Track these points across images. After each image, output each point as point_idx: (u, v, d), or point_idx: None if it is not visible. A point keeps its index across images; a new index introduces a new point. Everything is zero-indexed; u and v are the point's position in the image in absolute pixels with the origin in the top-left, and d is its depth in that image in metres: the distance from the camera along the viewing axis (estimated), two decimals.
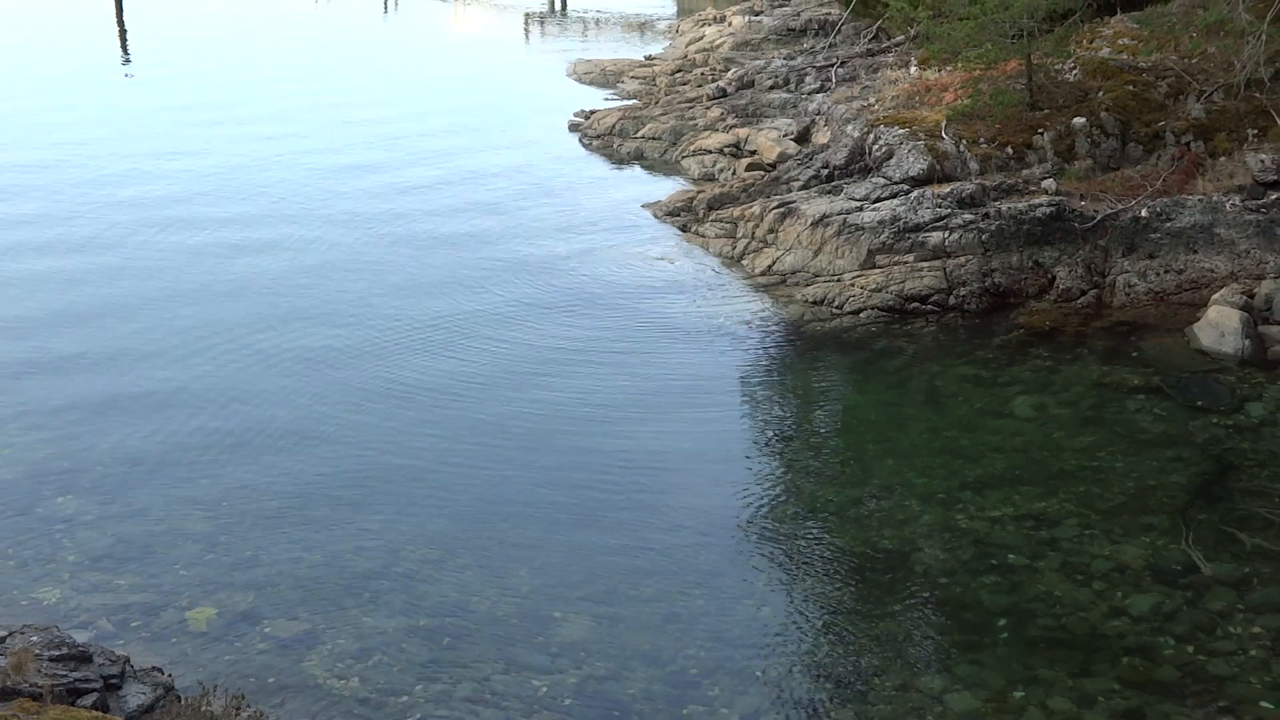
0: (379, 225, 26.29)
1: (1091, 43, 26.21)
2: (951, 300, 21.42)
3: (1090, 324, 20.77)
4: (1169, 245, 21.52)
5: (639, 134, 32.75)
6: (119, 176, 29.92)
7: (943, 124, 23.94)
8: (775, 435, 18.02)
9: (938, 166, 23.13)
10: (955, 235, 21.87)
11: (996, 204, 22.25)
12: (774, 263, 23.00)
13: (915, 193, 22.70)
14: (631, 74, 40.96)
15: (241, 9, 60.83)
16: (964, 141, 23.47)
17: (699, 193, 26.75)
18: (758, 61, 37.15)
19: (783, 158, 28.16)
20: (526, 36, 53.57)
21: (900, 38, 34.02)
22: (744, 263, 23.53)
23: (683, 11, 55.35)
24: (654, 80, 39.32)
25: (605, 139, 33.10)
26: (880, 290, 21.54)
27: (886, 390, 19.21)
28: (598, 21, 56.34)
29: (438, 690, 12.33)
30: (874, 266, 22.02)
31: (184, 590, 13.81)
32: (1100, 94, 24.18)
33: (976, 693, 12.23)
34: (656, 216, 26.61)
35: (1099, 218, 21.76)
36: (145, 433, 17.26)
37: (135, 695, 11.40)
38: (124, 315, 21.34)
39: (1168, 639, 12.94)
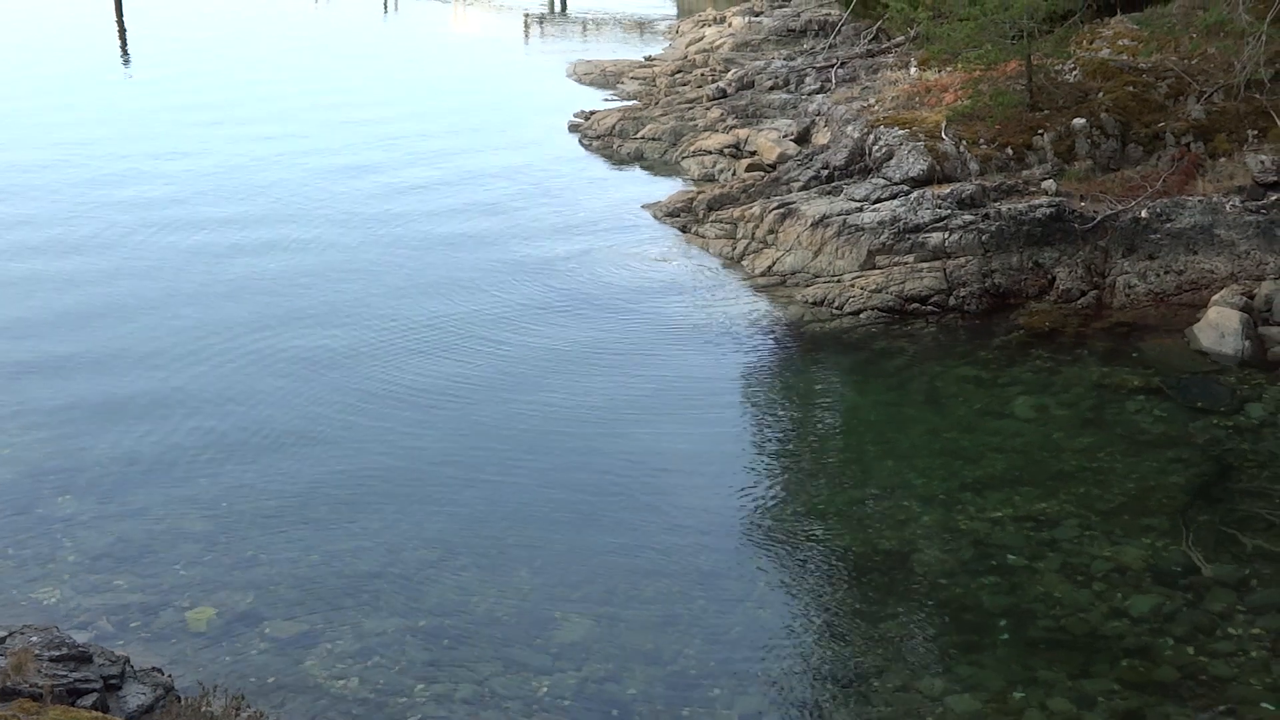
0: (378, 226, 26.29)
1: (1091, 43, 26.21)
2: (951, 301, 21.42)
3: (1090, 325, 20.77)
4: (1169, 246, 21.52)
5: (639, 135, 32.75)
6: (118, 177, 29.92)
7: (943, 125, 23.94)
8: (775, 436, 18.01)
9: (938, 167, 23.13)
10: (955, 236, 21.87)
11: (996, 205, 22.25)
12: (774, 263, 23.00)
13: (915, 193, 22.70)
14: (631, 75, 40.96)
15: (241, 9, 60.82)
16: (964, 142, 23.47)
17: (699, 193, 26.75)
18: (758, 62, 37.16)
19: (783, 158, 28.17)
20: (526, 37, 53.58)
21: (900, 38, 34.04)
22: (744, 263, 23.53)
23: (683, 12, 55.36)
24: (654, 81, 39.32)
25: (605, 140, 33.10)
26: (880, 291, 21.54)
27: (886, 391, 19.20)
28: (598, 22, 56.34)
29: (438, 691, 12.33)
30: (874, 267, 22.02)
31: (184, 590, 13.81)
32: (1100, 95, 24.18)
33: (976, 694, 12.23)
34: (656, 217, 26.61)
35: (1099, 218, 21.76)
36: (144, 433, 17.26)
37: (135, 695, 11.40)
38: (123, 315, 21.33)
39: (1168, 640, 12.94)
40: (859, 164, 24.61)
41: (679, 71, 39.67)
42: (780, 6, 45.19)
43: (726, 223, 24.85)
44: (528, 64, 47.23)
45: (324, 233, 25.77)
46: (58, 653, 11.26)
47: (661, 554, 14.59)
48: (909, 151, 23.43)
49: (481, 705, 12.14)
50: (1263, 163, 21.94)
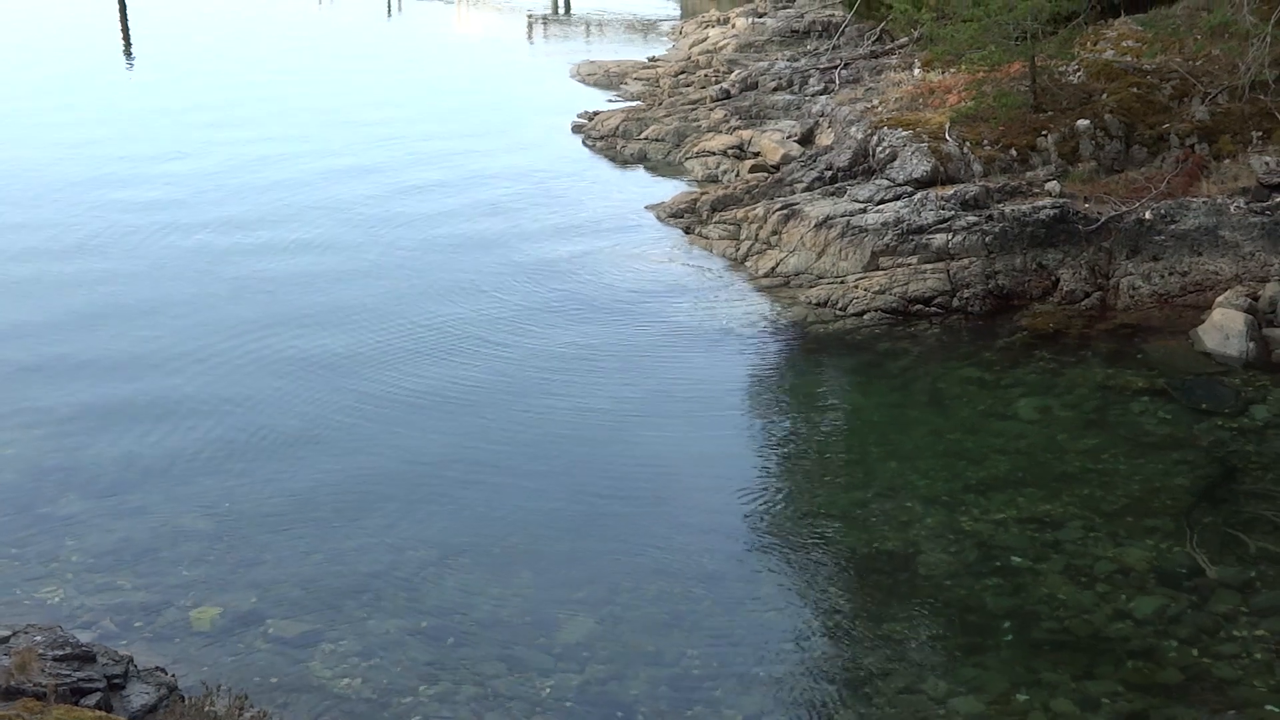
0: (380, 227, 26.28)
1: (1095, 45, 26.18)
2: (955, 302, 21.41)
3: (1094, 326, 20.75)
4: (1173, 247, 21.50)
5: (642, 136, 32.75)
6: (120, 178, 29.91)
7: (946, 126, 23.92)
8: (778, 437, 18.00)
9: (941, 168, 23.12)
10: (959, 237, 21.86)
11: (1000, 206, 22.23)
12: (777, 265, 22.99)
13: (919, 195, 22.69)
14: (635, 75, 40.96)
15: (245, 9, 60.85)
16: (968, 143, 23.45)
17: (702, 194, 26.74)
18: (761, 63, 37.14)
19: (786, 159, 28.15)
20: (530, 38, 53.60)
21: (904, 40, 34.03)
22: (747, 265, 23.52)
23: (686, 13, 55.37)
24: (657, 82, 39.32)
25: (608, 140, 33.10)
26: (884, 292, 21.53)
27: (890, 392, 19.19)
28: (601, 23, 56.35)
29: (441, 691, 12.32)
30: (877, 268, 22.01)
31: (187, 590, 13.81)
32: (1104, 96, 24.16)
33: (980, 695, 12.21)
34: (660, 218, 26.61)
35: (1103, 220, 21.74)
36: (147, 433, 17.27)
37: (139, 695, 11.40)
38: (126, 317, 21.34)
39: (1172, 642, 12.92)
40: (862, 165, 24.60)
41: (682, 72, 39.67)
42: (784, 8, 45.19)
43: (730, 224, 24.85)
44: (531, 64, 47.25)
45: (326, 234, 25.77)
46: (61, 652, 11.27)
47: (664, 554, 14.58)
48: (912, 153, 23.42)
49: (484, 705, 12.14)
50: (1267, 164, 21.92)
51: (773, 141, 29.53)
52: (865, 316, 21.25)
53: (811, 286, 22.21)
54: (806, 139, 29.65)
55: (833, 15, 41.62)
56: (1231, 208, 21.48)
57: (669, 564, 14.41)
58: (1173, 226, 21.54)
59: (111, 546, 14.59)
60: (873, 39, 36.46)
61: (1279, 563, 14.23)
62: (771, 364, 20.24)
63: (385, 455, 16.83)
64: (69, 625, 12.59)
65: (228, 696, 11.79)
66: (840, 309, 21.49)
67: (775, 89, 34.22)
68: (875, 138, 24.51)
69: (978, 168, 23.14)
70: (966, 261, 21.71)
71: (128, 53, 49.69)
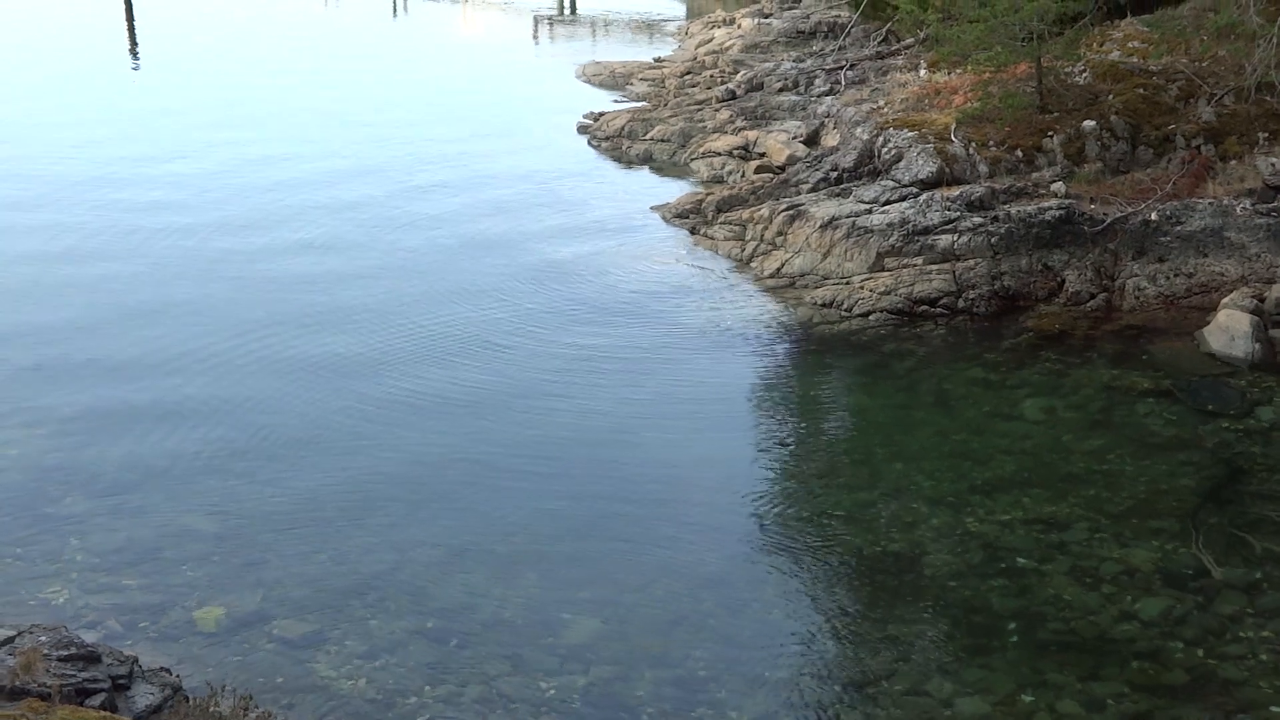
0: (385, 228, 26.27)
1: (1101, 46, 26.17)
2: (960, 303, 21.39)
3: (1100, 327, 20.73)
4: (1179, 249, 21.48)
5: (648, 136, 32.75)
6: (123, 180, 29.87)
7: (952, 127, 23.91)
8: (783, 438, 18.00)
9: (947, 169, 23.11)
10: (964, 238, 21.85)
11: (1006, 207, 22.22)
12: (783, 265, 22.99)
13: (924, 196, 22.68)
14: (640, 76, 40.96)
15: (250, 9, 60.89)
16: (973, 144, 23.44)
17: (708, 195, 26.74)
18: (767, 64, 37.14)
19: (792, 160, 28.15)
20: (535, 38, 53.61)
21: (910, 40, 34.03)
22: (753, 265, 23.52)
23: (692, 14, 55.40)
24: (663, 82, 39.32)
25: (614, 141, 33.10)
26: (889, 293, 21.52)
27: (895, 393, 19.18)
28: (607, 23, 56.36)
29: (446, 691, 12.32)
30: (883, 269, 22.00)
31: (192, 591, 13.81)
32: (1110, 97, 24.15)
33: (986, 696, 12.20)
34: (665, 219, 26.61)
35: (1109, 221, 21.72)
36: (152, 434, 17.27)
37: (143, 695, 11.41)
38: (131, 320, 21.32)
39: (1178, 643, 12.91)
40: (868, 166, 24.60)
41: (688, 73, 39.68)
42: (790, 8, 45.20)
43: (735, 224, 24.85)
44: (536, 65, 47.26)
45: (329, 235, 25.76)
46: (66, 652, 11.27)
47: (670, 555, 14.58)
48: (918, 154, 23.41)
49: (489, 706, 12.14)
50: (1273, 165, 21.90)
51: (778, 142, 29.53)
52: (870, 317, 21.23)
53: (817, 287, 22.20)
54: (812, 140, 29.65)
55: (839, 16, 41.62)
56: (1237, 209, 21.46)
57: (674, 564, 14.41)
58: (1178, 228, 21.52)
59: (116, 547, 14.60)
60: (879, 40, 36.45)
61: None
62: (777, 365, 20.23)
63: (389, 456, 16.82)
64: (74, 625, 12.59)
65: (232, 697, 11.79)
66: (845, 310, 21.48)
67: (781, 90, 34.21)
68: (881, 138, 24.50)
69: (983, 169, 23.13)
70: (972, 262, 21.70)
71: (134, 53, 49.74)
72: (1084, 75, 24.95)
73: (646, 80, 40.26)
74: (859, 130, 25.65)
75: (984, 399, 18.61)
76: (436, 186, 29.46)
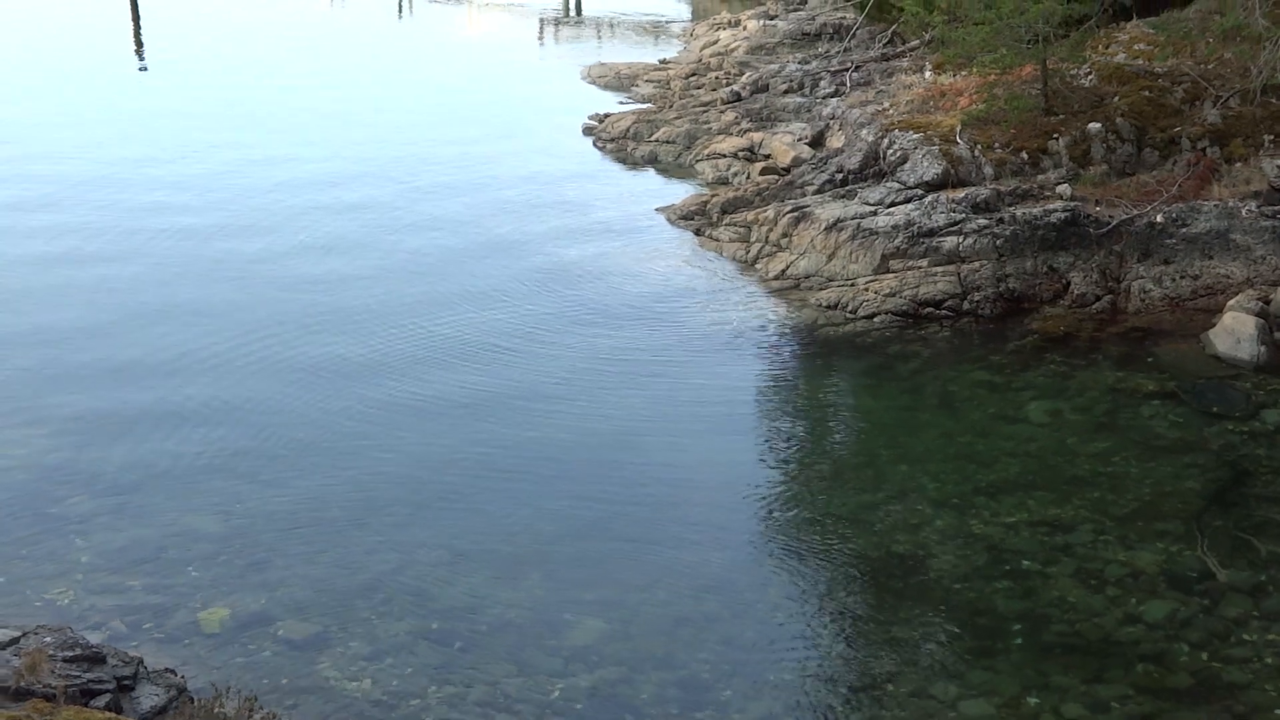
0: (389, 230, 26.24)
1: (1107, 48, 26.14)
2: (965, 305, 21.38)
3: (1105, 330, 20.71)
4: (1184, 251, 21.46)
5: (653, 138, 32.74)
6: (126, 182, 29.81)
7: (957, 129, 23.90)
8: (788, 440, 18.00)
9: (952, 171, 23.09)
10: (969, 240, 21.84)
11: (1011, 209, 22.20)
12: (788, 267, 22.98)
13: (929, 197, 22.67)
14: (646, 78, 40.93)
15: (255, 9, 60.89)
16: (979, 146, 23.43)
17: (713, 197, 26.73)
18: (772, 65, 37.12)
19: (797, 162, 28.14)
20: (541, 39, 53.60)
21: (915, 42, 33.99)
22: (758, 267, 23.52)
23: (697, 15, 55.35)
24: (668, 84, 39.30)
25: (619, 142, 33.09)
26: (894, 295, 21.51)
27: (900, 395, 19.18)
28: (612, 25, 56.33)
29: (450, 693, 12.33)
30: (888, 271, 21.99)
31: (197, 592, 13.83)
32: (1116, 99, 24.12)
33: (990, 699, 12.20)
34: (670, 220, 26.61)
35: (1114, 223, 21.70)
36: (157, 436, 17.28)
37: (148, 696, 11.42)
38: (136, 321, 21.32)
39: (1182, 645, 12.90)
40: (873, 168, 24.58)
41: (693, 75, 39.65)
42: (795, 10, 45.15)
43: (740, 226, 24.84)
44: (542, 66, 47.24)
45: (333, 237, 25.73)
46: (71, 653, 11.28)
47: (674, 557, 14.58)
48: (923, 155, 23.40)
49: (494, 708, 12.14)
50: (1279, 167, 21.87)
51: (783, 144, 29.52)
52: (875, 319, 21.22)
53: (822, 289, 22.19)
54: (817, 141, 29.63)
55: (844, 18, 41.58)
56: (1243, 211, 21.44)
57: (678, 566, 14.41)
58: (1184, 230, 21.50)
59: (121, 548, 14.62)
60: (884, 41, 36.41)
61: None
62: (781, 367, 20.23)
63: (393, 458, 16.83)
64: (79, 626, 12.60)
65: (237, 698, 11.80)
66: (850, 312, 21.48)
67: (786, 91, 34.20)
68: (886, 140, 24.49)
69: (989, 170, 23.12)
70: (977, 264, 21.69)
71: (139, 53, 49.77)
72: (1089, 77, 24.93)
73: (652, 82, 40.23)
74: (864, 132, 25.64)
75: (989, 401, 18.60)
76: (441, 187, 29.46)
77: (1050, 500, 15.64)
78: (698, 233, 25.56)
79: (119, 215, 27.06)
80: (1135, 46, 26.03)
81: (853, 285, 22.00)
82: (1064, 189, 22.51)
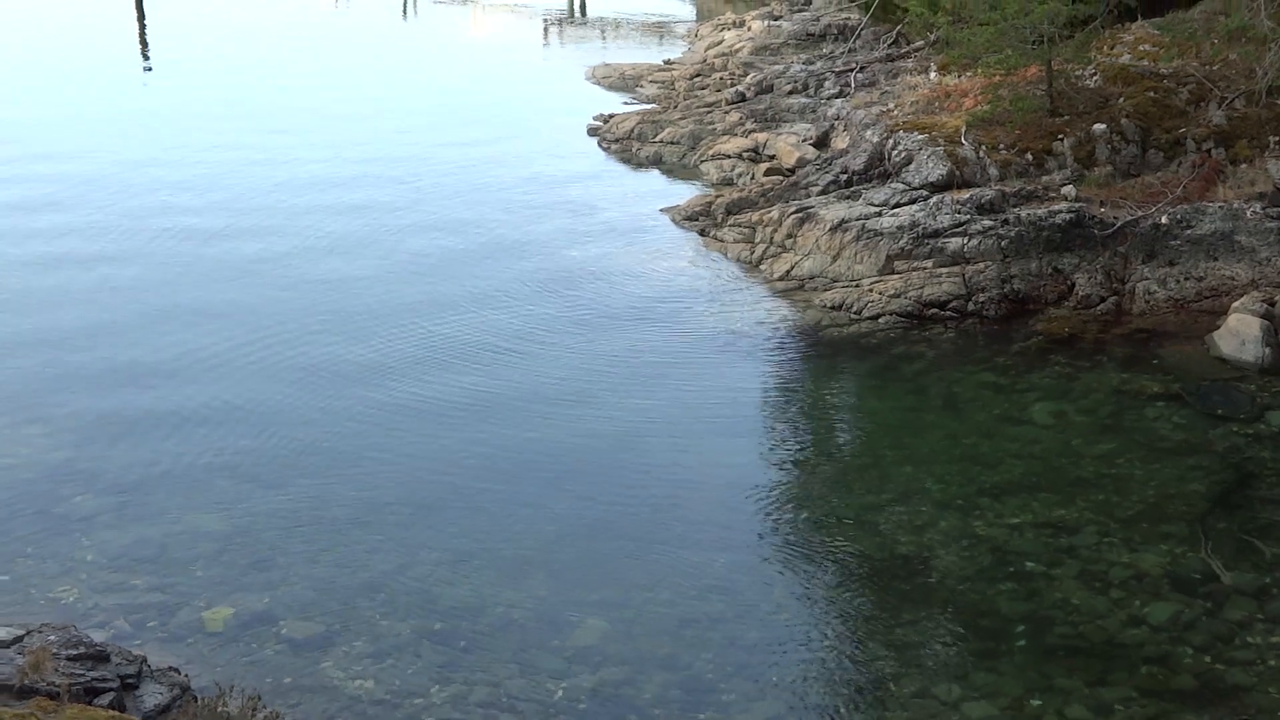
0: (393, 232, 26.19)
1: (1112, 49, 26.13)
2: (970, 306, 21.36)
3: (1109, 331, 20.69)
4: (1189, 252, 21.44)
5: (657, 138, 32.74)
6: (128, 183, 29.84)
7: (962, 130, 23.89)
8: (792, 441, 17.99)
9: (957, 172, 23.08)
10: (974, 241, 21.82)
11: (1016, 210, 22.19)
12: (792, 268, 22.97)
13: (934, 198, 22.65)
14: (650, 78, 40.93)
15: (259, 9, 60.92)
16: (983, 147, 23.42)
17: (717, 197, 26.71)
18: (777, 66, 37.10)
19: (801, 163, 28.12)
20: (545, 40, 53.61)
21: (920, 43, 33.97)
22: (762, 268, 23.51)
23: (702, 16, 55.35)
24: (673, 84, 39.29)
25: (624, 143, 33.09)
26: (899, 296, 21.50)
27: (904, 396, 19.16)
28: (617, 25, 56.33)
29: (453, 693, 12.33)
30: (892, 272, 21.98)
31: (201, 591, 13.84)
32: (1121, 100, 24.11)
33: (994, 700, 12.19)
34: (675, 221, 26.60)
35: (1119, 224, 21.69)
36: (161, 436, 17.30)
37: (152, 695, 11.43)
38: (140, 322, 21.34)
39: (1186, 648, 12.88)
40: (878, 169, 24.57)
41: (698, 75, 39.64)
42: (800, 10, 45.15)
43: (745, 227, 24.83)
44: (546, 67, 47.25)
45: (337, 239, 25.72)
46: (75, 651, 11.30)
47: (677, 557, 14.58)
48: (928, 156, 23.39)
49: (497, 708, 12.14)
50: None
51: (788, 144, 29.51)
52: (880, 320, 21.21)
53: (826, 290, 22.18)
54: (822, 142, 29.61)
55: (849, 18, 41.57)
56: (1248, 213, 21.42)
57: (682, 567, 14.41)
58: (1189, 231, 21.48)
59: (125, 547, 14.63)
60: (889, 42, 36.41)
61: None
62: (786, 368, 20.22)
63: (397, 459, 16.83)
64: (83, 625, 12.61)
65: (240, 697, 11.81)
66: (855, 313, 21.47)
67: (791, 92, 34.17)
68: (891, 141, 24.48)
69: (993, 171, 23.10)
70: (982, 265, 21.67)
71: (144, 53, 49.78)
72: (1094, 78, 24.92)
73: (656, 82, 40.23)
74: (869, 133, 25.63)
75: (993, 402, 18.59)
76: (445, 188, 29.46)
77: (1054, 502, 15.63)
78: (702, 233, 25.56)
79: (121, 215, 27.09)
80: (1140, 47, 26.02)
81: (857, 286, 21.99)
82: (1069, 190, 22.49)
